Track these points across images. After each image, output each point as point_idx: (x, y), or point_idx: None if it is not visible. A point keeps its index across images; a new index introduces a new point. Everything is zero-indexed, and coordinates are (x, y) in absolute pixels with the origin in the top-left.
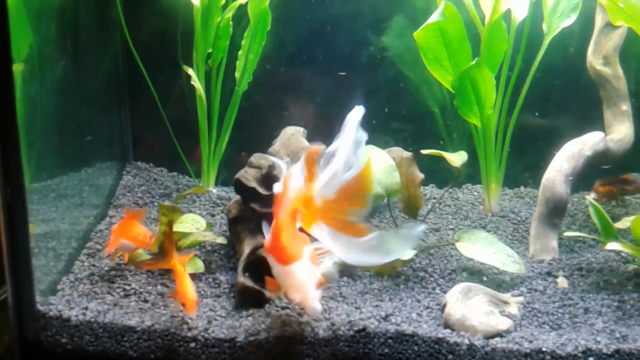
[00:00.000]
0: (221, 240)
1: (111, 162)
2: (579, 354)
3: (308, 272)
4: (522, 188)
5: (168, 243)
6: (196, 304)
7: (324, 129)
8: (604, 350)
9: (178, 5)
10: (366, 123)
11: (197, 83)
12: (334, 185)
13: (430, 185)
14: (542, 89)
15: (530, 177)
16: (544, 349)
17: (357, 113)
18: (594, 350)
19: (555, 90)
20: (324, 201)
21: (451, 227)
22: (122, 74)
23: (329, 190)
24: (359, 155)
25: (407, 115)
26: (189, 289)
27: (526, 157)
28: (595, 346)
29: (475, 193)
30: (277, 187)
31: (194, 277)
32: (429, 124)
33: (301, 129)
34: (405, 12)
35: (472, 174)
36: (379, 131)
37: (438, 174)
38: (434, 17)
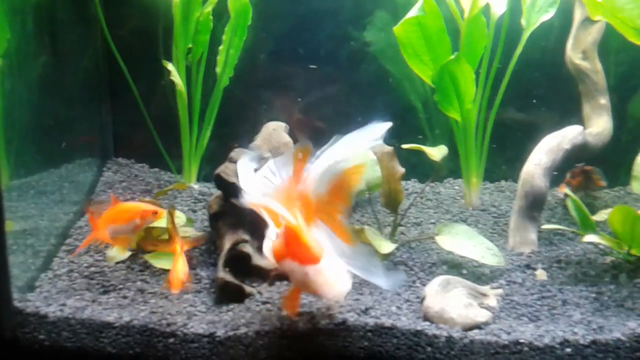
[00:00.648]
0: (201, 235)
1: (91, 159)
2: (556, 345)
3: (337, 266)
4: (502, 182)
5: (172, 228)
6: (182, 284)
7: (306, 124)
8: (581, 341)
9: (159, 1)
10: (349, 118)
11: (177, 78)
12: (325, 182)
13: (412, 179)
14: (522, 83)
15: (511, 171)
16: (521, 341)
17: (382, 126)
18: (571, 342)
19: (535, 85)
20: (318, 198)
21: (432, 221)
22: (103, 70)
23: (321, 187)
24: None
25: (389, 110)
26: (180, 268)
27: (507, 151)
28: (572, 337)
29: (456, 187)
30: (267, 188)
31: None
32: (411, 118)
33: (283, 124)
34: (388, 7)
35: (454, 168)
36: (360, 125)
37: (420, 168)
38: (413, 12)
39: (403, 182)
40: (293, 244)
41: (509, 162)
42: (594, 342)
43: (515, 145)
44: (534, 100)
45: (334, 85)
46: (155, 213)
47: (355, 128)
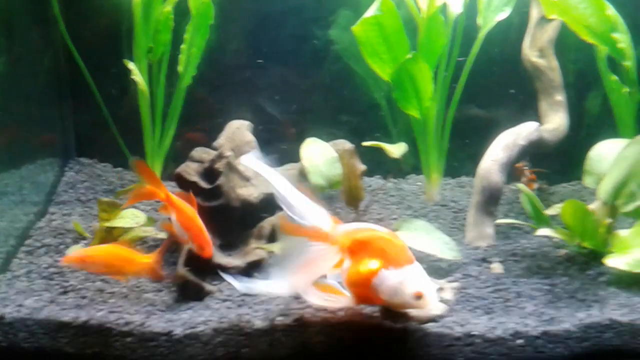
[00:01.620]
0: (162, 235)
1: (53, 159)
2: (508, 337)
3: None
4: (463, 177)
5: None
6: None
7: (271, 122)
8: (532, 332)
9: (121, 0)
10: (314, 115)
11: (138, 77)
12: None
13: (376, 176)
14: (481, 80)
15: (472, 166)
16: (474, 333)
17: None
18: (522, 333)
19: (494, 82)
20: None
21: (394, 216)
22: (64, 70)
23: None
24: None
25: (354, 107)
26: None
27: (467, 147)
28: (523, 329)
29: (418, 183)
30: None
31: None
32: (375, 115)
33: (246, 123)
34: (351, 5)
35: (417, 164)
36: (325, 123)
37: (384, 165)
38: (371, 12)
39: (367, 179)
40: (363, 288)
41: (469, 158)
42: (545, 333)
43: (475, 141)
44: (493, 97)
45: (299, 83)
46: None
47: (320, 125)
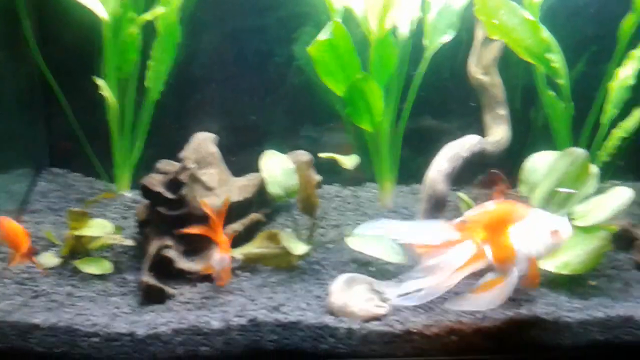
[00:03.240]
0: (129, 242)
1: (26, 169)
2: (443, 334)
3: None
4: (416, 185)
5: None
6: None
7: (236, 135)
8: (465, 330)
9: (92, 20)
10: (280, 127)
11: (107, 92)
12: None
13: (335, 184)
14: (430, 96)
15: (423, 175)
16: (412, 330)
17: None
18: (456, 330)
19: (443, 97)
20: None
21: (349, 222)
22: (36, 85)
23: None
24: None
25: (316, 119)
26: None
27: (419, 157)
28: (458, 326)
29: (374, 191)
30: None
31: (103, 277)
32: (336, 126)
33: (212, 135)
34: (313, 23)
35: (374, 173)
36: (288, 135)
37: (344, 174)
38: (324, 34)
39: (326, 187)
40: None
41: (421, 167)
42: (477, 330)
43: (427, 151)
44: (443, 111)
45: (263, 96)
46: None
47: (284, 136)
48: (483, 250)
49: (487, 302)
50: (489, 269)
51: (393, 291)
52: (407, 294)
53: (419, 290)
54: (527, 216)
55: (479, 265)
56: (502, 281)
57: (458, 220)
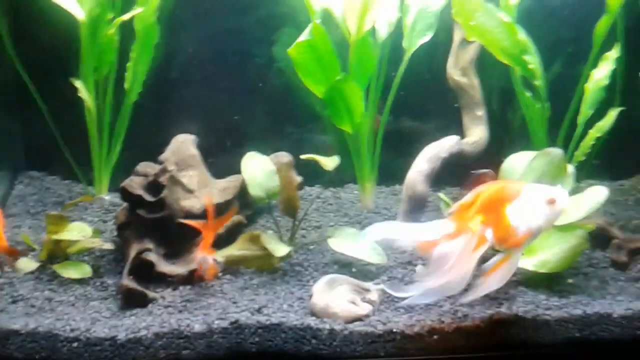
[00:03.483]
0: (108, 245)
1: (3, 172)
2: (425, 334)
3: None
4: (397, 186)
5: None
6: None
7: (217, 136)
8: (446, 329)
9: (69, 20)
10: (261, 128)
11: (84, 95)
12: None
13: (317, 185)
14: (411, 97)
15: (403, 176)
16: (394, 330)
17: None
18: (437, 329)
19: (422, 98)
20: None
21: (331, 224)
22: (12, 86)
23: None
24: None
25: (297, 120)
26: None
27: (399, 158)
28: (439, 326)
29: (355, 192)
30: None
31: (82, 281)
32: (317, 128)
33: (192, 137)
34: (293, 24)
35: (355, 174)
36: (269, 136)
37: (326, 175)
38: (304, 36)
39: (308, 188)
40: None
41: (401, 168)
42: (457, 329)
43: (407, 152)
44: (423, 112)
45: (244, 98)
46: None
47: (265, 137)
48: (484, 234)
49: (496, 280)
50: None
51: (404, 293)
52: (420, 293)
53: (432, 288)
54: (522, 192)
55: (483, 249)
56: (507, 260)
57: (453, 207)
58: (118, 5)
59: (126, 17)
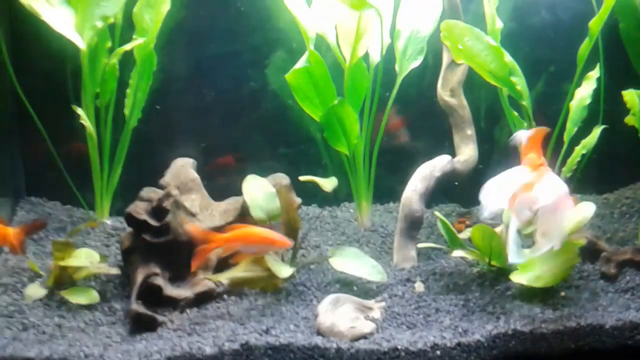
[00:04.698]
0: (115, 271)
1: (4, 199)
2: (428, 349)
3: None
4: (391, 204)
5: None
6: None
7: (214, 159)
8: (448, 344)
9: (68, 49)
10: (257, 150)
11: (86, 122)
12: None
13: (313, 205)
14: (404, 117)
15: (398, 194)
16: (398, 347)
17: None
18: (440, 345)
19: (415, 119)
20: None
21: (330, 242)
22: (13, 112)
23: None
24: None
25: (292, 142)
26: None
27: (393, 177)
28: (441, 341)
29: (351, 210)
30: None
31: (90, 307)
32: (312, 149)
33: (191, 161)
34: (285, 48)
35: (350, 193)
36: (265, 158)
37: (321, 194)
38: (301, 63)
39: (305, 208)
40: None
41: (396, 186)
42: (458, 344)
43: (401, 171)
44: (415, 132)
45: (240, 120)
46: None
47: (262, 159)
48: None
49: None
50: None
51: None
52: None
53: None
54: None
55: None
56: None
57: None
58: (117, 33)
59: (128, 47)
